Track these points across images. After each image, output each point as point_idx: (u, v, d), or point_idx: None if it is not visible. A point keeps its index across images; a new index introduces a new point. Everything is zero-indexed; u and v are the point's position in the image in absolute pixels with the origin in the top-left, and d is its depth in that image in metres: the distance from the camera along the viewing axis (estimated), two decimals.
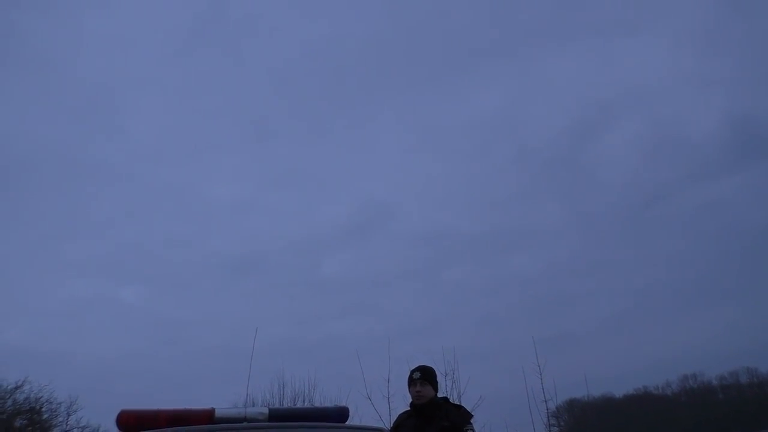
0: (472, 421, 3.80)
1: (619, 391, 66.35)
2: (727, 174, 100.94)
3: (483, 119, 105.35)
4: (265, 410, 3.33)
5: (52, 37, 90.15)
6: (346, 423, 3.51)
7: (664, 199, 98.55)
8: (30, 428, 28.63)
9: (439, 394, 4.05)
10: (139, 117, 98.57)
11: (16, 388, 27.03)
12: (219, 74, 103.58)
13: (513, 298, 76.64)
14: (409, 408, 4.01)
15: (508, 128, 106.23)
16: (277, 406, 13.90)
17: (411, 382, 3.93)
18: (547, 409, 9.29)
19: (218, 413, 3.20)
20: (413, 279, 73.40)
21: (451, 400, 4.19)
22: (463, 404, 4.23)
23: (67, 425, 31.07)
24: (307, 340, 41.24)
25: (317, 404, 14.11)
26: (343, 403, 5.50)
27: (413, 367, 4.02)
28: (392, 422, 4.22)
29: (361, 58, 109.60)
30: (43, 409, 28.97)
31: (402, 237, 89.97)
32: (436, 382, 4.03)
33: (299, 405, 14.58)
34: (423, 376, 3.92)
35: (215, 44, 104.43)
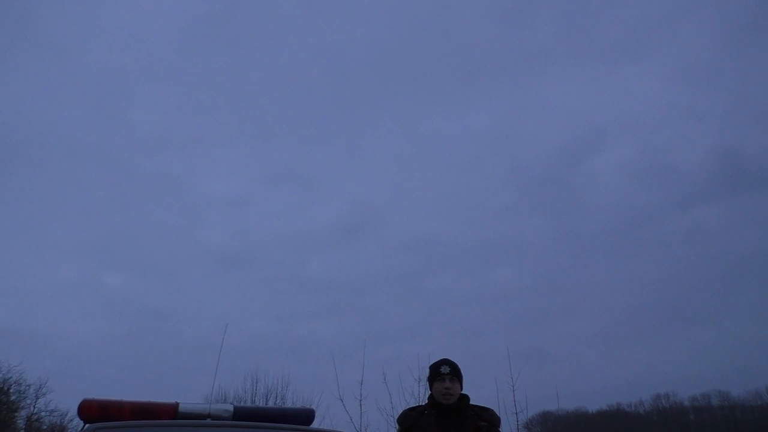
0: None
1: (593, 406, 67.07)
2: (710, 204, 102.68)
3: (479, 134, 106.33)
4: (230, 408, 3.30)
5: (66, 25, 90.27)
6: (311, 426, 3.48)
7: (648, 223, 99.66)
8: None
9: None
10: (145, 107, 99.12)
11: None
12: (225, 71, 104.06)
13: (494, 309, 76.84)
14: (418, 405, 3.59)
15: (502, 145, 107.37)
16: (245, 402, 13.87)
17: (438, 377, 3.36)
18: (518, 421, 9.31)
19: (182, 408, 3.17)
20: (397, 284, 73.64)
21: None
22: None
23: (35, 408, 30.56)
24: (286, 337, 41.24)
25: (289, 402, 14.12)
26: (314, 404, 5.48)
27: (436, 360, 3.47)
28: (396, 419, 3.56)
29: (365, 66, 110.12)
30: (11, 390, 28.48)
31: (390, 242, 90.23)
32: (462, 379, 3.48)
33: (271, 401, 14.56)
34: (453, 372, 3.36)
35: (225, 42, 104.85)
